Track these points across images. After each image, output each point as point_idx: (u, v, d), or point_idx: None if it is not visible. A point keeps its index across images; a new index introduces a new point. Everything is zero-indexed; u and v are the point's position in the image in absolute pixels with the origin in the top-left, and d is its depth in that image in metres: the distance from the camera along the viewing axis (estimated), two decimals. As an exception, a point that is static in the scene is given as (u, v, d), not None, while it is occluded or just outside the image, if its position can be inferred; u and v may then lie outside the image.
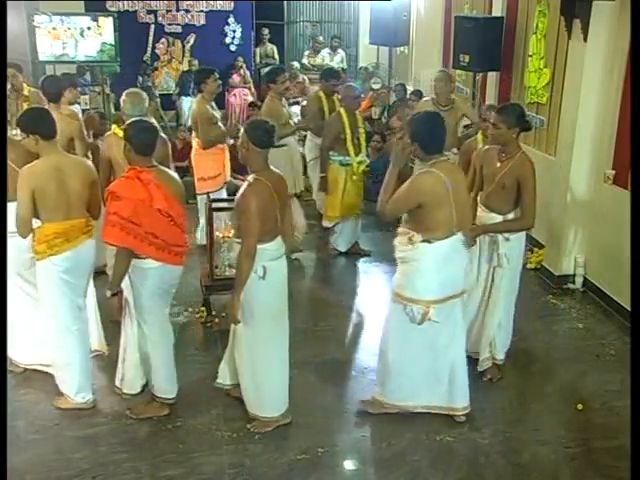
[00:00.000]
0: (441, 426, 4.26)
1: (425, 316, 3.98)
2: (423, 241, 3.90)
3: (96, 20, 9.55)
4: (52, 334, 4.26)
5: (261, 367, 4.08)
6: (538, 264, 6.52)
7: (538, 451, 4.06)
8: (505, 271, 4.51)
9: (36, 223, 4.09)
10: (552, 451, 4.06)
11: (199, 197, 6.71)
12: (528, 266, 6.31)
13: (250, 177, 3.87)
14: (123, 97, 5.26)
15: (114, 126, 5.16)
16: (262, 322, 3.99)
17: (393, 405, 4.30)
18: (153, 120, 4.65)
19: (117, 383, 4.40)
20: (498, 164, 4.44)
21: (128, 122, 4.10)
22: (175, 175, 4.18)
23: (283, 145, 6.45)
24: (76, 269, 4.20)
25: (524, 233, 4.57)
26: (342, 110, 6.43)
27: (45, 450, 4.02)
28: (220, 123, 6.66)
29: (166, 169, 4.14)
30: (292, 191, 6.68)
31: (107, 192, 3.88)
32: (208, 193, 6.21)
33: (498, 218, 4.48)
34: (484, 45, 7.21)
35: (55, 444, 4.06)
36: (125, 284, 4.04)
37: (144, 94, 5.35)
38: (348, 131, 6.36)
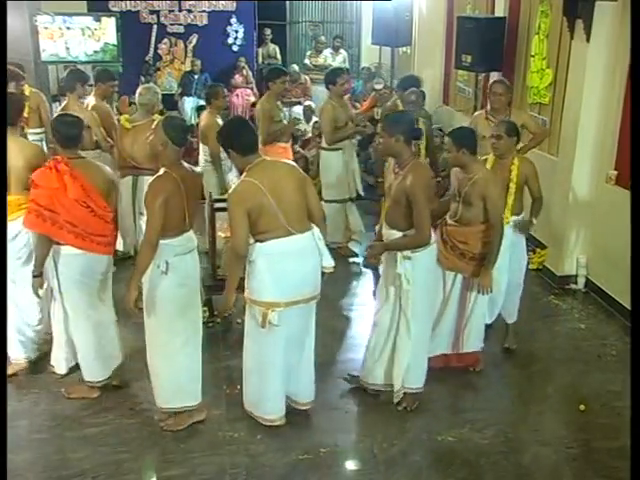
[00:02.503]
0: (442, 426, 4.26)
1: (265, 318, 3.86)
2: (256, 241, 3.85)
3: (99, 20, 9.57)
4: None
5: (157, 358, 4.10)
6: (540, 264, 6.51)
7: (539, 451, 4.05)
8: (410, 292, 4.17)
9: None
10: (553, 451, 4.06)
11: None
12: (530, 266, 6.29)
13: (160, 171, 3.92)
14: (139, 90, 5.97)
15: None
16: (162, 314, 3.99)
17: (264, 420, 4.18)
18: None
19: (51, 361, 4.61)
20: (393, 176, 4.24)
21: (56, 115, 4.38)
22: (106, 169, 4.30)
23: (339, 148, 6.45)
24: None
25: (430, 250, 4.21)
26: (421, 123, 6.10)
27: (46, 450, 4.02)
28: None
29: (92, 161, 4.28)
30: (346, 195, 6.70)
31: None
32: None
33: (398, 235, 4.19)
34: (486, 45, 7.20)
35: (56, 444, 4.07)
36: (50, 268, 4.17)
37: (157, 89, 5.88)
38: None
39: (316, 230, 3.96)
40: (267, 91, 6.74)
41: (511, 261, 4.84)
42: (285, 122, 7.04)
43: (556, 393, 4.69)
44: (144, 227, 4.02)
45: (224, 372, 4.77)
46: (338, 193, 6.69)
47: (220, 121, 6.57)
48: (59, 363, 4.56)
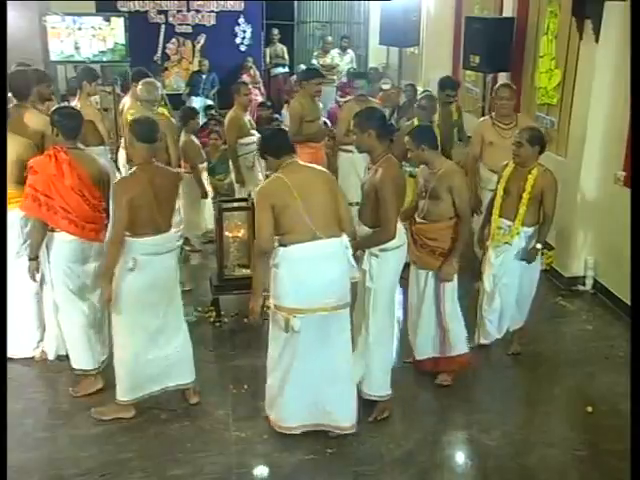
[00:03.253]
0: (449, 428, 4.26)
1: (287, 324, 3.82)
2: (280, 245, 3.82)
3: (109, 20, 9.60)
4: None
5: (117, 350, 4.19)
6: (548, 265, 6.48)
7: (546, 453, 4.04)
8: (372, 290, 4.12)
9: None
10: (560, 453, 4.04)
11: None
12: (538, 267, 6.28)
13: (132, 169, 4.06)
14: (139, 85, 6.01)
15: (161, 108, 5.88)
16: (126, 309, 4.08)
17: (279, 426, 4.11)
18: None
19: (44, 346, 4.84)
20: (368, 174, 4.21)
21: (55, 107, 4.52)
22: (101, 162, 4.46)
23: (349, 151, 6.43)
24: None
25: (399, 251, 4.16)
26: (415, 120, 6.08)
27: (53, 448, 4.04)
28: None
29: (88, 153, 4.45)
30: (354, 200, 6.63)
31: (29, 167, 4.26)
32: None
33: (367, 231, 4.16)
34: (494, 46, 7.17)
35: (63, 443, 4.09)
36: (43, 255, 4.33)
37: (158, 83, 5.94)
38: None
39: (345, 238, 3.92)
40: (301, 91, 6.84)
41: (522, 274, 4.82)
42: (322, 121, 7.10)
43: (563, 395, 4.68)
44: None
45: (231, 372, 4.77)
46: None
47: (246, 118, 6.99)
48: (49, 348, 4.79)
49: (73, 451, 4.00)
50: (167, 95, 8.08)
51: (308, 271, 3.79)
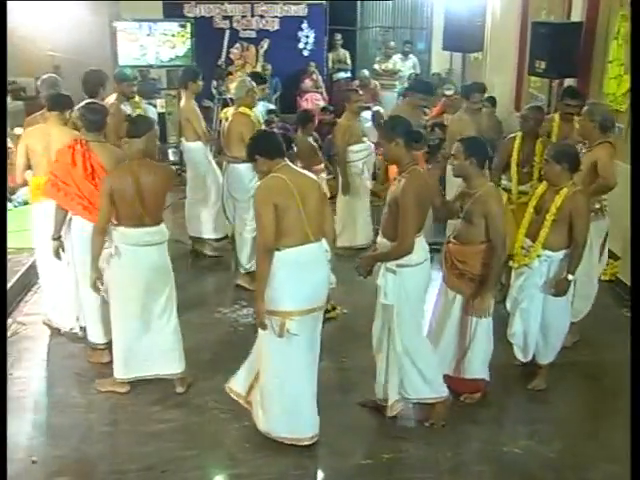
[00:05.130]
0: (507, 438, 4.21)
1: (282, 328, 3.80)
2: (275, 249, 3.78)
3: (184, 26, 9.82)
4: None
5: (113, 332, 4.50)
6: (612, 276, 6.33)
7: (608, 469, 3.94)
8: (395, 307, 4.03)
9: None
10: (623, 470, 3.91)
11: None
12: (602, 277, 6.13)
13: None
14: (234, 83, 6.49)
15: (242, 107, 6.12)
16: (115, 295, 4.40)
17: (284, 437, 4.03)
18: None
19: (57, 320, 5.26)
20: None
21: (82, 103, 4.81)
22: (119, 154, 4.63)
23: None
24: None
25: (420, 268, 4.03)
26: (519, 134, 5.62)
27: (116, 442, 4.15)
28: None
29: (109, 146, 4.74)
30: None
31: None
32: None
33: (388, 244, 4.05)
34: (561, 51, 7.04)
35: (126, 437, 4.19)
36: (66, 236, 4.75)
37: (248, 82, 6.20)
38: (515, 156, 5.50)
39: (324, 241, 3.96)
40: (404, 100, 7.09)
41: (546, 303, 4.50)
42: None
43: (627, 408, 4.55)
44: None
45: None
46: None
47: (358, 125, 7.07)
48: (63, 321, 5.23)
49: (135, 446, 4.09)
50: (230, 99, 8.21)
51: (302, 274, 3.82)
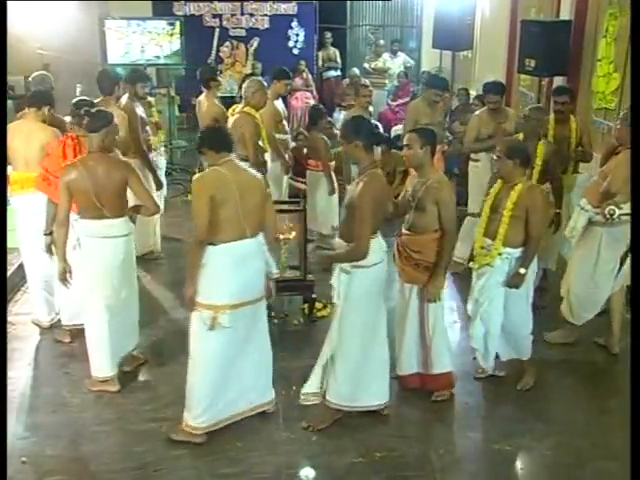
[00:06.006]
0: (500, 435, 4.21)
1: (215, 321, 3.86)
2: (209, 244, 3.83)
3: (172, 24, 9.79)
4: None
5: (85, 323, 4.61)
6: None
7: (604, 466, 3.95)
8: (343, 308, 4.03)
9: None
10: (620, 467, 3.90)
11: None
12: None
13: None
14: (246, 83, 6.35)
15: (247, 107, 6.12)
16: (83, 287, 4.48)
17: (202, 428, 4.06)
18: None
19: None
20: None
21: (74, 100, 5.03)
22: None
23: (477, 160, 6.39)
24: None
25: (373, 270, 3.99)
26: (521, 135, 5.62)
27: (108, 442, 4.13)
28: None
29: None
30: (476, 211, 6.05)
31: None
32: None
33: (344, 245, 4.04)
34: (551, 49, 7.06)
35: (119, 437, 4.17)
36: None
37: (259, 79, 6.30)
38: None
39: (261, 236, 4.00)
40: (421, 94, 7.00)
41: (508, 304, 4.45)
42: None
43: (621, 406, 4.57)
44: None
45: (281, 373, 4.77)
46: None
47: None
48: (63, 315, 5.18)
49: (128, 446, 4.08)
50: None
51: (236, 269, 3.88)
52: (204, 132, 4.16)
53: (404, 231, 4.38)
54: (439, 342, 4.43)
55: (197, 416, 4.04)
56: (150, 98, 7.07)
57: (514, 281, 4.36)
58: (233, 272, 3.89)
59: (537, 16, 8.31)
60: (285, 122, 7.21)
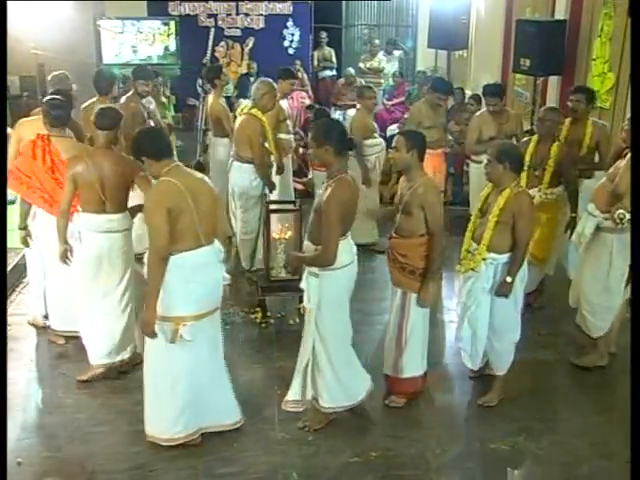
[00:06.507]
0: (495, 434, 4.21)
1: (175, 334, 3.74)
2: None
3: (167, 24, 9.78)
4: None
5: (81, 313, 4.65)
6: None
7: (598, 465, 3.96)
8: (318, 313, 4.00)
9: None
10: (613, 465, 3.93)
11: None
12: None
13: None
14: (256, 84, 6.25)
15: (254, 109, 6.05)
16: (81, 275, 4.53)
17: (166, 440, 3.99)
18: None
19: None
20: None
21: (46, 98, 4.90)
22: (83, 149, 4.74)
23: (479, 161, 6.28)
24: None
25: (343, 271, 3.96)
26: (535, 137, 5.48)
27: (104, 442, 4.12)
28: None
29: (72, 141, 4.87)
30: None
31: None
32: None
33: (311, 248, 4.01)
34: (546, 49, 7.09)
35: (114, 437, 4.16)
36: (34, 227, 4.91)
37: (269, 81, 6.20)
38: (528, 159, 5.22)
39: (217, 242, 3.91)
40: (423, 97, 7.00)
41: (494, 309, 4.36)
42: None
43: (617, 405, 4.58)
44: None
45: (277, 372, 4.79)
46: None
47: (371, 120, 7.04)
48: (52, 317, 5.15)
49: (123, 446, 4.07)
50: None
51: (195, 278, 3.75)
52: (136, 139, 3.89)
53: (393, 234, 4.36)
54: (414, 346, 4.36)
55: (171, 427, 3.96)
56: (164, 99, 7.05)
57: (502, 290, 4.24)
58: (193, 282, 3.74)
59: (532, 16, 8.34)
60: (289, 122, 7.20)
